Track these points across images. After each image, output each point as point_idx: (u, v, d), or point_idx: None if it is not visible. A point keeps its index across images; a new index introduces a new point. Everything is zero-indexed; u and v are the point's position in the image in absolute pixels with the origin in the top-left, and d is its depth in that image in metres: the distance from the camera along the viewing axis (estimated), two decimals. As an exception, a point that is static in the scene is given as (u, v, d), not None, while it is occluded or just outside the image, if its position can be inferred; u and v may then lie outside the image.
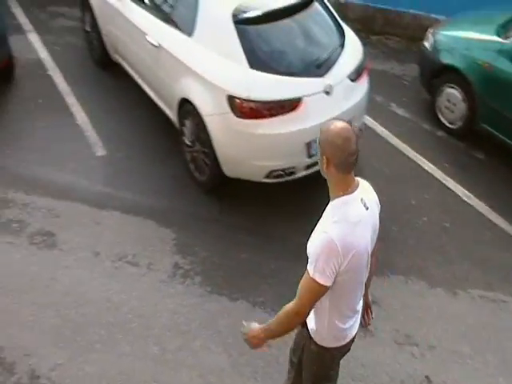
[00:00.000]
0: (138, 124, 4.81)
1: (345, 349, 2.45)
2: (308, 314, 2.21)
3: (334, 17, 4.33)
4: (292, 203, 4.16)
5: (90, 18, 5.37)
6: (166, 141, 4.59)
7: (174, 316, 3.30)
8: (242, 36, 3.83)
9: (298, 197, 4.17)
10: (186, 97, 4.00)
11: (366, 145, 4.51)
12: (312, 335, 2.35)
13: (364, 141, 4.51)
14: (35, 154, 4.47)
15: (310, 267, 2.08)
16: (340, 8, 5.42)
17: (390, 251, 3.80)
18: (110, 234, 3.77)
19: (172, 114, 4.34)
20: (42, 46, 5.77)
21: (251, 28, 3.89)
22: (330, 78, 3.83)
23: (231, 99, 3.69)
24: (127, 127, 4.79)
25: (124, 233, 3.78)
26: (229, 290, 3.49)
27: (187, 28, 4.11)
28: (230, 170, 3.87)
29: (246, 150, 3.74)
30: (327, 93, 3.78)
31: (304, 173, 3.88)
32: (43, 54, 5.66)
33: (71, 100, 5.02)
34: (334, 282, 2.10)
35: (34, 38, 5.88)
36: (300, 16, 4.11)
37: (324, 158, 2.08)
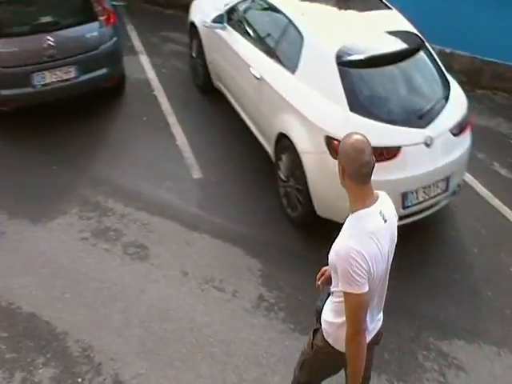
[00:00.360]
0: (235, 152, 5.06)
1: (373, 342, 2.52)
2: (366, 327, 2.28)
3: (440, 67, 4.36)
4: None
5: (197, 45, 5.80)
6: (261, 172, 4.79)
7: (254, 347, 3.43)
8: (345, 78, 3.96)
9: None
10: (285, 132, 4.18)
11: (464, 203, 4.53)
12: (325, 335, 2.46)
13: (462, 199, 4.53)
14: (136, 168, 4.86)
15: (343, 287, 2.19)
16: (445, 58, 5.36)
17: (484, 318, 3.72)
18: (198, 256, 3.99)
19: (269, 147, 4.55)
20: (150, 67, 6.28)
21: (354, 71, 4.00)
22: (431, 130, 3.86)
23: (329, 140, 3.82)
24: (224, 154, 5.06)
25: (212, 257, 3.99)
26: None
27: (290, 64, 4.31)
28: (322, 210, 3.97)
29: (339, 192, 3.80)
30: (427, 145, 3.81)
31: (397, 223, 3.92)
32: (151, 74, 6.16)
33: (173, 120, 5.41)
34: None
35: (144, 60, 6.42)
36: (405, 64, 4.17)
37: (340, 167, 2.28)
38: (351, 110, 3.83)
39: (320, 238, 4.21)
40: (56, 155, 5.10)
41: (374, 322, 2.47)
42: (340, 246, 2.21)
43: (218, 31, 5.25)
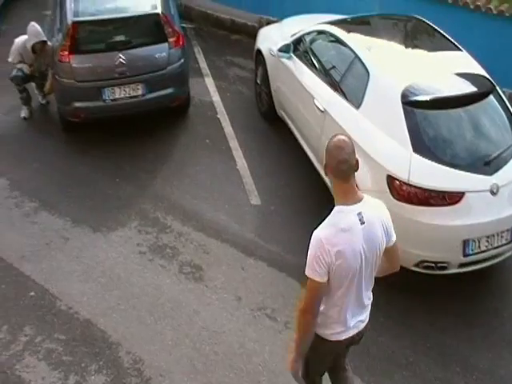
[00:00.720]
0: (294, 181, 5.18)
1: (336, 346, 2.82)
2: (316, 312, 2.59)
3: (511, 113, 4.30)
4: (443, 298, 4.03)
5: (262, 73, 6.02)
6: (320, 204, 4.76)
7: (303, 380, 3.52)
8: (409, 118, 4.00)
9: (451, 293, 4.06)
10: (345, 166, 4.32)
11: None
12: None
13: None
14: (196, 188, 5.08)
15: (306, 271, 2.51)
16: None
17: None
18: (253, 283, 4.12)
19: (329, 180, 4.64)
20: (215, 90, 6.57)
21: (419, 111, 4.04)
22: (498, 178, 3.83)
23: (390, 179, 3.85)
24: (284, 182, 5.19)
25: (267, 285, 4.10)
26: (365, 371, 3.53)
27: (355, 99, 4.41)
28: (379, 248, 4.04)
29: (398, 233, 3.76)
30: (493, 193, 3.78)
31: (456, 270, 3.88)
32: (215, 97, 6.45)
33: (234, 145, 5.64)
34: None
35: (209, 82, 6.73)
36: (473, 107, 4.18)
37: (325, 162, 2.57)
38: (414, 150, 3.86)
39: (376, 278, 4.31)
40: (120, 168, 5.43)
41: (354, 321, 2.72)
42: (314, 234, 2.52)
43: (284, 60, 5.43)
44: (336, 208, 2.52)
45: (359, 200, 2.53)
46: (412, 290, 4.06)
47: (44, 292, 4.09)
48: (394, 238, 2.74)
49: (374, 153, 4.03)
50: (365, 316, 2.79)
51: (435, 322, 3.89)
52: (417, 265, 3.85)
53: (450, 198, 3.74)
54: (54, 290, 4.11)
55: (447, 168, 3.82)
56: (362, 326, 2.80)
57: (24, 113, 6.29)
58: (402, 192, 3.77)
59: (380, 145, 4.06)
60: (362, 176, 4.09)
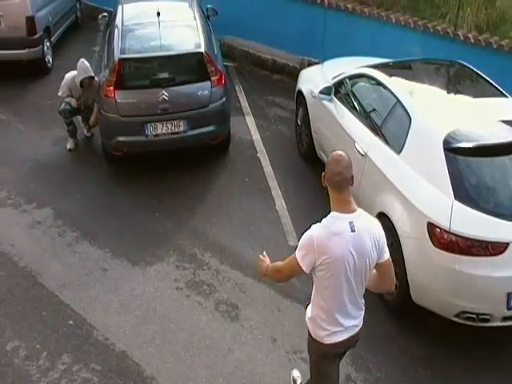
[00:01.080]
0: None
1: (332, 349, 3.06)
2: (283, 280, 3.25)
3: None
4: (490, 350, 3.99)
5: (303, 113, 6.23)
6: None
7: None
8: (451, 165, 4.04)
9: (485, 344, 4.02)
10: (385, 212, 4.32)
11: None
12: (307, 324, 3.13)
13: None
14: (234, 227, 5.25)
15: (297, 250, 2.91)
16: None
17: None
18: (289, 325, 4.18)
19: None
20: (255, 129, 6.83)
21: (462, 158, 4.07)
22: (544, 229, 3.86)
23: (431, 227, 3.88)
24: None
25: (303, 328, 4.01)
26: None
27: (396, 144, 4.50)
28: (418, 297, 4.03)
29: (438, 282, 3.88)
30: (539, 244, 3.82)
31: (500, 323, 3.85)
32: (255, 136, 6.70)
33: (273, 184, 5.81)
34: (315, 276, 2.93)
35: (250, 121, 7.00)
36: (519, 155, 4.23)
37: (324, 172, 2.90)
38: (456, 198, 3.88)
39: (415, 326, 4.29)
40: (159, 203, 5.64)
41: (346, 324, 2.96)
42: (307, 232, 2.89)
43: (325, 102, 5.61)
44: (331, 214, 2.85)
45: (353, 211, 2.85)
46: (454, 342, 4.03)
47: (82, 321, 4.25)
48: (386, 255, 2.98)
49: (415, 199, 4.08)
50: (357, 322, 3.05)
51: (482, 376, 3.83)
52: (457, 315, 3.84)
53: (494, 249, 3.73)
54: (92, 319, 4.27)
55: (490, 217, 3.82)
56: (354, 331, 3.05)
57: (70, 144, 6.65)
58: (443, 240, 3.79)
59: (421, 191, 4.11)
60: (402, 222, 4.23)
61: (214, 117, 5.93)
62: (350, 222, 2.80)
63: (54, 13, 9.08)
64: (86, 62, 6.39)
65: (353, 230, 2.79)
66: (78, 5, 10.75)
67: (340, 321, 2.94)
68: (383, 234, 2.97)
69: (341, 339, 2.98)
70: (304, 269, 2.85)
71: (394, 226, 4.14)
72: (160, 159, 6.20)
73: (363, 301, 2.99)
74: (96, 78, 6.43)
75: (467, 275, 3.74)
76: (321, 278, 2.83)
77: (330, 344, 2.97)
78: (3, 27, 7.98)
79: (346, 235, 2.78)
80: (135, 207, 5.55)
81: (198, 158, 6.27)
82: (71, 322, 4.24)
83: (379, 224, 3.00)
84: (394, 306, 4.29)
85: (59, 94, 6.54)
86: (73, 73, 6.43)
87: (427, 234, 3.88)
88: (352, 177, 2.85)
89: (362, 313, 3.07)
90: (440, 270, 3.84)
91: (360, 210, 2.88)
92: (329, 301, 2.92)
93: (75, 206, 5.60)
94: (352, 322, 2.99)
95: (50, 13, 8.86)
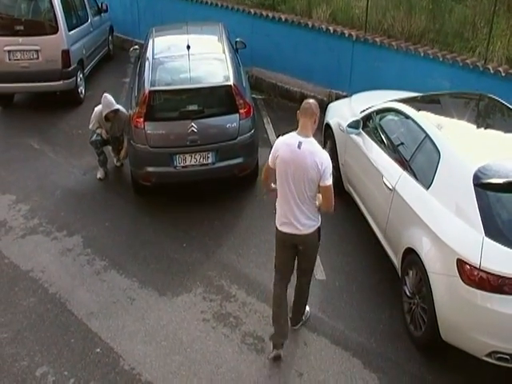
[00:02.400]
0: (360, 258, 5.36)
1: (283, 236, 4.18)
2: (267, 184, 4.36)
3: None
4: None
5: (331, 146, 6.38)
6: (386, 283, 5.00)
7: None
8: (481, 200, 4.06)
9: None
10: (413, 247, 4.38)
11: None
12: None
13: None
14: (261, 259, 5.37)
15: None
16: None
17: None
18: (315, 359, 4.25)
19: (396, 259, 4.78)
20: (283, 161, 7.00)
21: (493, 194, 4.09)
22: None
23: (461, 263, 3.90)
24: (350, 258, 5.37)
25: (329, 362, 4.21)
26: None
27: (425, 179, 4.58)
28: (447, 334, 4.05)
29: (468, 320, 3.88)
30: None
31: (534, 367, 3.87)
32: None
33: (300, 217, 5.95)
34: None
35: (278, 153, 7.17)
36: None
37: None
38: (487, 234, 3.90)
39: (444, 364, 4.31)
40: (187, 234, 5.84)
41: (290, 220, 4.04)
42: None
43: (353, 136, 5.76)
44: (292, 132, 4.08)
45: (306, 137, 3.99)
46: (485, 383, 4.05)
47: (109, 350, 4.40)
48: (327, 181, 4.00)
49: (444, 235, 4.12)
50: (301, 222, 4.06)
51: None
52: (489, 355, 3.82)
53: (526, 287, 3.79)
54: (119, 348, 4.41)
55: None
56: (304, 229, 4.07)
57: (100, 174, 6.96)
58: (473, 277, 3.80)
59: (450, 227, 4.14)
60: (431, 258, 4.27)
61: (242, 149, 6.14)
62: (300, 142, 3.98)
63: (88, 46, 9.65)
64: (109, 97, 6.76)
65: (298, 147, 3.97)
66: (110, 37, 11.37)
67: (286, 215, 4.11)
68: (328, 163, 4.00)
69: (285, 230, 4.15)
70: (269, 162, 4.13)
71: (422, 262, 4.18)
72: (188, 190, 6.42)
73: (311, 214, 4.04)
74: (122, 109, 6.81)
75: (498, 314, 3.74)
76: (277, 177, 4.08)
77: (279, 231, 4.20)
78: (41, 60, 8.52)
79: (292, 148, 4.00)
80: (163, 237, 5.75)
81: (226, 190, 6.48)
82: (98, 350, 4.39)
83: (327, 156, 4.05)
84: (423, 343, 4.30)
85: (90, 126, 6.92)
86: (100, 106, 6.80)
87: (457, 271, 3.90)
88: (317, 116, 4.06)
89: (307, 222, 4.08)
90: (470, 307, 3.85)
91: (312, 139, 4.04)
92: (280, 198, 4.16)
93: (104, 235, 5.83)
94: (295, 222, 4.08)
95: (84, 46, 9.43)
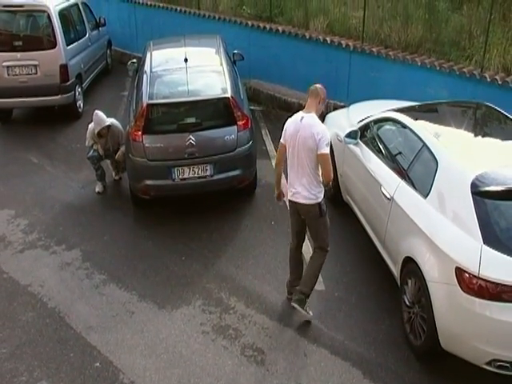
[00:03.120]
0: (359, 268, 5.41)
1: (289, 203, 4.83)
2: (280, 165, 4.85)
3: None
4: None
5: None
6: (385, 293, 5.04)
7: None
8: (480, 208, 4.10)
9: None
10: (412, 256, 4.42)
11: None
12: None
13: None
14: (260, 270, 5.43)
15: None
16: None
17: None
18: (315, 370, 4.28)
19: (395, 269, 4.82)
20: (281, 172, 7.10)
21: (490, 202, 4.13)
22: None
23: (459, 272, 3.94)
24: (349, 269, 5.42)
25: (329, 373, 4.24)
26: None
27: (423, 188, 4.62)
28: (447, 343, 4.07)
29: (468, 328, 3.91)
30: None
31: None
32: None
33: (299, 228, 6.03)
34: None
35: (276, 165, 7.26)
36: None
37: None
38: (485, 242, 3.94)
39: (444, 373, 4.33)
40: (186, 246, 5.89)
41: (294, 189, 4.66)
42: None
43: (351, 146, 5.83)
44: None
45: (308, 112, 4.63)
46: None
47: (108, 364, 4.43)
48: (323, 150, 4.49)
49: (442, 244, 4.16)
50: (301, 193, 4.61)
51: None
52: (489, 363, 3.85)
53: (525, 294, 3.82)
54: (118, 362, 4.44)
55: None
56: (301, 200, 4.63)
57: (98, 188, 7.03)
58: (472, 285, 3.83)
59: (448, 235, 4.18)
60: (429, 267, 4.31)
61: (241, 161, 6.20)
62: (302, 117, 4.65)
63: (86, 60, 9.80)
64: (100, 114, 6.86)
65: (300, 121, 4.63)
66: (108, 51, 11.51)
67: (292, 184, 4.73)
68: (323, 134, 4.50)
69: (290, 198, 4.78)
70: (281, 139, 4.76)
71: (421, 271, 4.22)
72: (186, 202, 6.49)
73: (310, 188, 4.52)
74: (115, 123, 6.92)
75: (498, 321, 3.77)
76: (286, 151, 4.73)
77: (288, 199, 4.83)
78: (39, 75, 8.64)
79: (296, 122, 4.68)
80: (162, 250, 5.79)
81: (225, 202, 6.55)
82: (98, 364, 4.42)
83: (323, 128, 4.59)
84: (423, 352, 4.32)
85: (86, 143, 7.02)
86: (93, 124, 6.89)
87: (456, 279, 3.94)
88: (321, 98, 4.67)
89: (306, 194, 4.59)
90: (469, 316, 3.88)
91: (313, 114, 4.63)
92: (288, 169, 4.75)
93: (103, 248, 5.87)
94: (296, 192, 4.67)
95: (82, 60, 9.57)
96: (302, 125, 4.59)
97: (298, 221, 4.88)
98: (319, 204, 4.69)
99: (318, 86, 4.79)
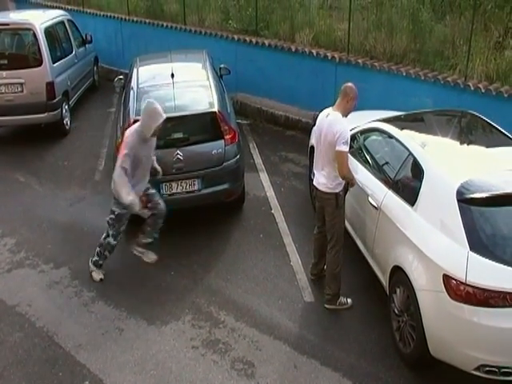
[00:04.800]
0: (348, 278, 5.42)
1: (314, 190, 5.37)
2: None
3: None
4: None
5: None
6: (375, 302, 5.10)
7: None
8: (465, 215, 4.19)
9: None
10: (400, 265, 4.50)
11: None
12: None
13: None
14: (250, 284, 5.47)
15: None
16: None
17: None
18: (305, 381, 4.30)
19: (383, 278, 4.89)
20: (269, 185, 7.20)
21: (476, 209, 4.22)
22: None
23: (447, 279, 4.01)
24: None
25: (320, 384, 4.33)
26: None
27: (409, 197, 4.70)
28: (436, 350, 4.13)
29: (456, 335, 3.97)
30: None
31: (522, 380, 3.94)
32: (269, 192, 7.06)
33: (288, 240, 6.08)
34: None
35: (264, 178, 7.39)
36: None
37: None
38: (472, 249, 4.02)
39: (434, 381, 4.39)
40: (175, 261, 5.92)
41: (315, 176, 5.17)
42: None
43: (337, 157, 5.96)
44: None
45: (334, 111, 4.99)
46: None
47: (98, 382, 4.43)
48: (338, 147, 4.82)
49: (430, 251, 4.24)
50: (320, 181, 5.05)
51: None
52: (477, 369, 3.90)
53: (512, 299, 3.90)
54: (108, 380, 4.44)
55: (507, 267, 3.91)
56: (320, 186, 5.06)
57: (98, 275, 5.71)
58: (460, 292, 3.90)
59: (435, 243, 4.27)
60: (417, 275, 4.38)
61: (228, 175, 6.25)
62: (328, 113, 5.06)
63: (73, 77, 9.87)
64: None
65: (326, 117, 5.04)
66: (95, 68, 11.60)
67: (314, 171, 5.24)
68: (341, 133, 4.79)
69: (314, 183, 5.25)
70: (311, 143, 6.03)
71: (409, 279, 4.28)
72: (174, 217, 6.46)
73: (328, 177, 4.91)
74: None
75: (486, 327, 3.84)
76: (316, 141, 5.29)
77: (313, 184, 5.38)
78: (25, 93, 8.68)
79: (323, 117, 5.12)
80: (150, 266, 5.80)
81: (213, 216, 6.59)
82: (87, 383, 4.40)
83: (343, 127, 4.84)
84: (413, 360, 4.37)
85: (128, 198, 5.29)
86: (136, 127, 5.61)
87: (443, 287, 4.01)
88: (350, 98, 4.94)
89: (324, 181, 5.01)
90: (457, 322, 3.94)
91: (337, 113, 4.96)
92: (314, 157, 5.26)
93: (91, 266, 5.96)
94: (315, 178, 5.18)
95: (69, 77, 9.63)
96: (327, 121, 5.01)
97: (319, 207, 5.31)
98: (336, 194, 5.02)
99: (348, 84, 5.09)
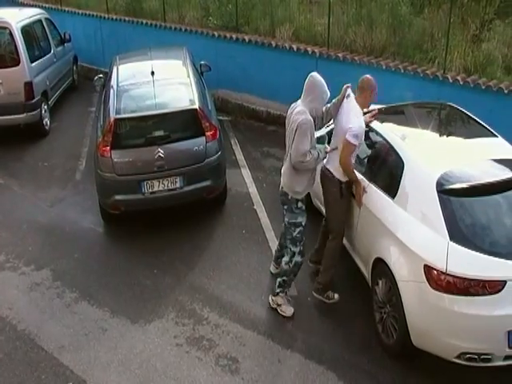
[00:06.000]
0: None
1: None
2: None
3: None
4: None
5: (298, 163, 6.56)
6: (357, 295, 5.12)
7: None
8: (445, 206, 4.26)
9: None
10: (382, 257, 4.54)
11: None
12: None
13: None
14: (233, 280, 5.47)
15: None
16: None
17: None
18: (289, 375, 4.33)
19: (366, 270, 4.93)
20: (251, 181, 7.20)
21: (456, 199, 4.29)
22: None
23: (427, 269, 4.07)
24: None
25: (304, 378, 4.30)
26: None
27: (390, 189, 4.75)
28: (418, 340, 4.18)
29: (438, 324, 4.02)
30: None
31: (502, 363, 3.98)
32: (252, 188, 7.07)
33: (270, 236, 6.08)
34: None
35: (246, 174, 7.39)
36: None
37: None
38: (452, 239, 4.08)
39: (417, 371, 4.43)
40: (158, 259, 5.90)
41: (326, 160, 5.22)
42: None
43: (319, 151, 5.98)
44: None
45: (353, 98, 5.03)
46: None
47: (82, 383, 4.40)
48: (346, 136, 4.78)
49: (410, 242, 4.29)
50: (324, 166, 5.10)
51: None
52: (458, 357, 3.98)
53: (491, 287, 3.90)
54: (92, 380, 4.42)
55: (487, 256, 3.99)
56: (326, 171, 5.11)
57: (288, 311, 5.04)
58: (440, 282, 3.97)
59: (416, 234, 4.32)
60: (399, 266, 4.43)
61: (210, 171, 6.25)
62: (346, 102, 5.02)
63: (52, 77, 9.75)
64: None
65: (344, 104, 5.04)
66: (74, 67, 11.47)
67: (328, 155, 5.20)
68: (353, 126, 4.74)
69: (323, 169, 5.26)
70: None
71: (391, 271, 4.33)
72: (157, 215, 6.49)
73: (334, 163, 4.89)
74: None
75: (466, 315, 3.91)
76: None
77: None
78: (3, 94, 8.56)
79: (343, 104, 5.07)
80: (133, 265, 5.79)
81: (195, 213, 6.57)
82: (71, 384, 4.46)
83: (355, 120, 4.79)
84: (395, 351, 4.42)
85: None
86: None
87: (424, 277, 4.06)
88: (364, 90, 4.99)
89: (328, 167, 5.00)
90: (438, 311, 4.00)
91: (355, 104, 4.94)
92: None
93: (74, 266, 5.85)
94: (326, 163, 5.11)
95: (48, 77, 9.51)
96: (343, 108, 5.00)
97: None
98: (340, 182, 4.96)
99: (364, 76, 5.08)
